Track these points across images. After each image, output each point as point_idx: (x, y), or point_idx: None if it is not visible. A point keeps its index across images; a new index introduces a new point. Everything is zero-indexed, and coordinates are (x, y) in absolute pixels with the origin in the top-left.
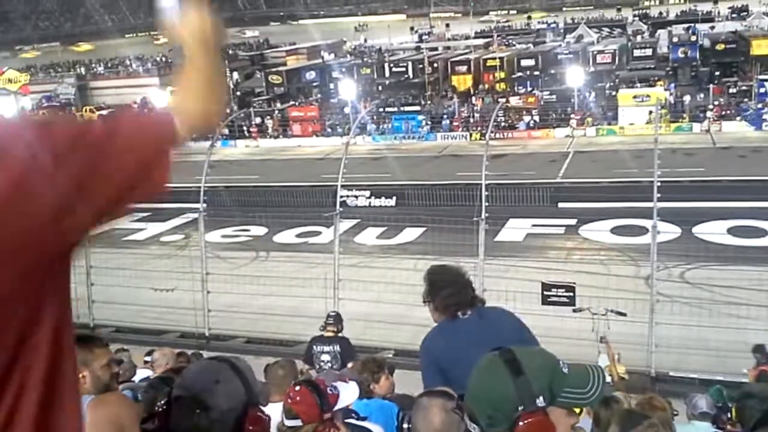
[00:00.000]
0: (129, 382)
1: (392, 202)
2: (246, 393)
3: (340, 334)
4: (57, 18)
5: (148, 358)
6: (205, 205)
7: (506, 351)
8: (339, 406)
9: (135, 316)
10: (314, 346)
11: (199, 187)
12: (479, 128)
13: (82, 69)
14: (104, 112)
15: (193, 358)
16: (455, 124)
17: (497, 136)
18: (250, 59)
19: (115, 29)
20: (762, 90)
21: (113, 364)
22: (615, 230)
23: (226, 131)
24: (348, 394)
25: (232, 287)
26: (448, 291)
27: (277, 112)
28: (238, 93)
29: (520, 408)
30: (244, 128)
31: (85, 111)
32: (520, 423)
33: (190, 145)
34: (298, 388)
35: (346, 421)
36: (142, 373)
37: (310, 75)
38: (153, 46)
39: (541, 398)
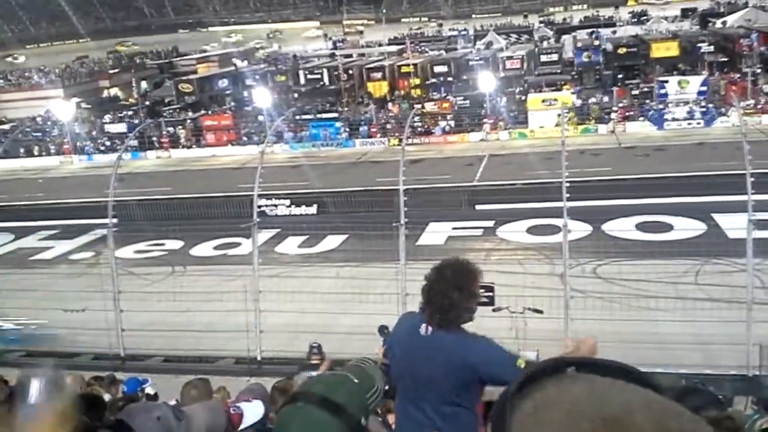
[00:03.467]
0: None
1: (313, 210)
2: None
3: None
4: None
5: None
6: (114, 220)
7: (307, 395)
8: (244, 425)
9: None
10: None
11: (107, 201)
12: (397, 134)
13: None
14: (5, 126)
15: (106, 381)
16: (373, 130)
17: (414, 141)
18: (159, 67)
19: (14, 40)
20: (662, 91)
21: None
22: (531, 230)
23: (135, 142)
24: (252, 413)
25: (147, 305)
26: (429, 296)
27: (189, 121)
28: (147, 102)
29: None
30: (155, 139)
31: None
32: None
33: (98, 158)
34: None
35: None
36: None
37: (223, 83)
38: (55, 57)
39: (362, 419)
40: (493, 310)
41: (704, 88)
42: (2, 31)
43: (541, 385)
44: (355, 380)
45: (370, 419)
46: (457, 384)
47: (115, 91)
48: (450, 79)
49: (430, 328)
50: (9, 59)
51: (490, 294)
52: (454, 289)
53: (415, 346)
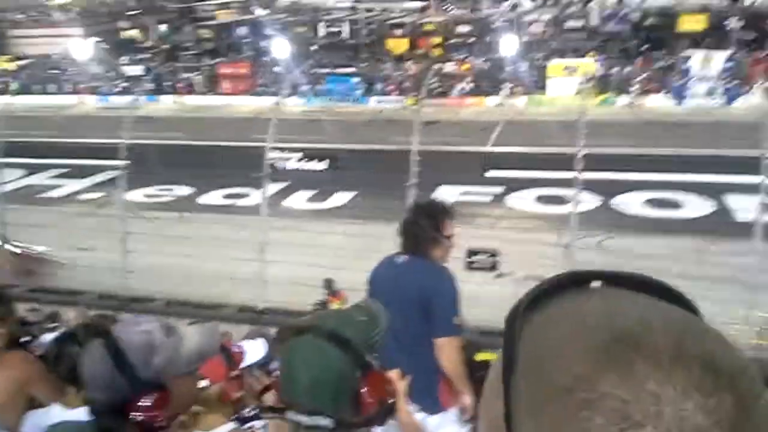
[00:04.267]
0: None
1: (324, 165)
2: (125, 379)
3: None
4: None
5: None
6: (127, 162)
7: (316, 328)
8: (244, 363)
9: (51, 275)
10: None
11: (121, 143)
12: (414, 93)
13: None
14: (23, 62)
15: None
16: (390, 88)
17: (431, 102)
18: (179, 11)
19: None
20: (685, 65)
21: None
22: (540, 199)
23: (152, 86)
24: (253, 351)
25: (154, 247)
26: (403, 227)
27: (206, 67)
28: (165, 46)
29: (359, 375)
30: (171, 83)
31: (2, 60)
32: (363, 390)
33: (114, 99)
34: None
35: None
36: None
37: (242, 31)
38: None
39: (367, 356)
40: (496, 276)
41: (729, 65)
42: None
43: (558, 297)
44: (362, 318)
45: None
46: (420, 310)
47: (133, 32)
48: (472, 40)
49: (404, 257)
50: None
51: (495, 259)
52: (424, 217)
53: (391, 275)
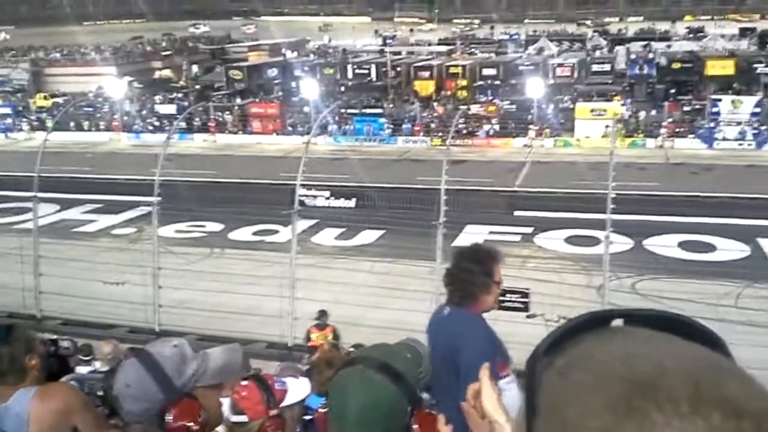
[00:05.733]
0: (73, 374)
1: (351, 203)
2: (162, 390)
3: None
4: (14, 1)
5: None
6: (159, 198)
7: (367, 359)
8: (287, 402)
9: (83, 309)
10: None
11: (154, 179)
12: (440, 134)
13: (40, 53)
14: (59, 100)
15: None
16: (416, 128)
17: (457, 142)
18: (211, 53)
19: (73, 16)
20: (715, 109)
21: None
22: (569, 240)
23: (184, 124)
24: (297, 389)
25: (184, 283)
26: (451, 275)
27: (236, 107)
28: (197, 86)
29: (409, 410)
30: (202, 122)
31: (39, 97)
32: (415, 426)
33: (146, 137)
34: (245, 382)
35: (303, 417)
36: (81, 369)
37: (272, 72)
38: (111, 35)
39: (418, 391)
40: (527, 317)
41: (758, 110)
42: (62, 7)
43: (579, 339)
44: (408, 354)
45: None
46: (449, 366)
47: (166, 72)
48: (498, 82)
49: (448, 309)
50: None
51: (525, 300)
52: (472, 263)
53: (435, 328)
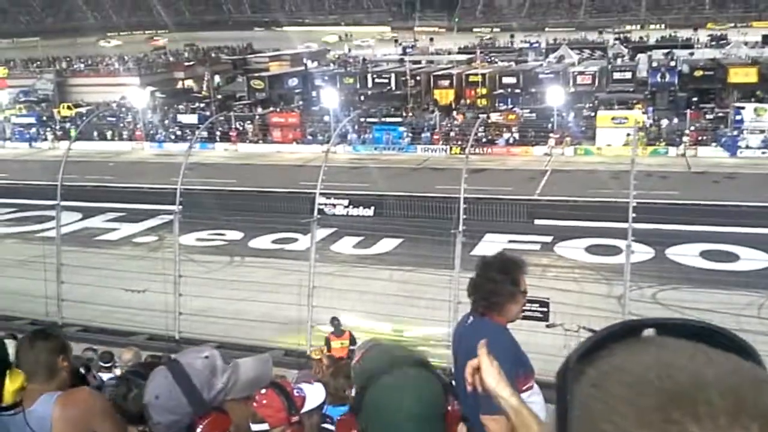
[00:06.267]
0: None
1: (370, 212)
2: (190, 402)
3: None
4: (38, 13)
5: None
6: (180, 207)
7: (401, 359)
8: (306, 408)
9: (105, 317)
10: None
11: (176, 188)
12: (459, 142)
13: (64, 64)
14: (82, 109)
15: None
16: (436, 137)
17: (477, 151)
18: (233, 63)
19: (97, 27)
20: (738, 117)
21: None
22: (589, 249)
23: (205, 134)
24: (314, 395)
25: (204, 291)
26: (476, 284)
27: (257, 117)
28: (219, 96)
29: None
30: (224, 132)
31: (63, 107)
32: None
33: (168, 146)
34: (264, 391)
35: (323, 426)
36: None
37: (293, 82)
38: (134, 45)
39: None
40: (547, 326)
41: None
42: (86, 18)
43: (611, 349)
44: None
45: None
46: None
47: (189, 83)
48: (518, 91)
49: (473, 318)
50: (101, 42)
51: (545, 309)
52: (498, 272)
53: (458, 338)
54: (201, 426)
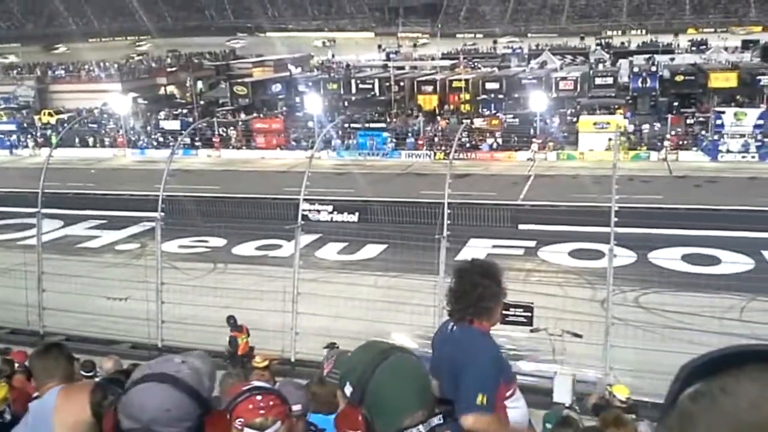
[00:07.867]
0: None
1: (355, 217)
2: (199, 406)
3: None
4: (18, 19)
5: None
6: (162, 214)
7: (399, 348)
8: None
9: (86, 325)
10: None
11: (158, 195)
12: (443, 148)
13: (48, 71)
14: (63, 116)
15: None
16: (420, 142)
17: (461, 156)
18: (216, 69)
19: (78, 33)
20: (718, 121)
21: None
22: (573, 253)
23: (188, 140)
24: (293, 398)
25: (188, 298)
26: (461, 290)
27: (240, 123)
28: (202, 102)
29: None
30: (207, 138)
31: (44, 114)
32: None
33: (150, 153)
34: (260, 397)
35: None
36: None
37: (276, 88)
38: (115, 51)
39: None
40: (531, 331)
41: (761, 122)
42: (68, 24)
43: (720, 369)
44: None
45: None
46: (451, 384)
47: (171, 89)
48: (501, 96)
49: (456, 324)
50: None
51: (529, 314)
52: (482, 277)
53: (439, 344)
54: (209, 427)
